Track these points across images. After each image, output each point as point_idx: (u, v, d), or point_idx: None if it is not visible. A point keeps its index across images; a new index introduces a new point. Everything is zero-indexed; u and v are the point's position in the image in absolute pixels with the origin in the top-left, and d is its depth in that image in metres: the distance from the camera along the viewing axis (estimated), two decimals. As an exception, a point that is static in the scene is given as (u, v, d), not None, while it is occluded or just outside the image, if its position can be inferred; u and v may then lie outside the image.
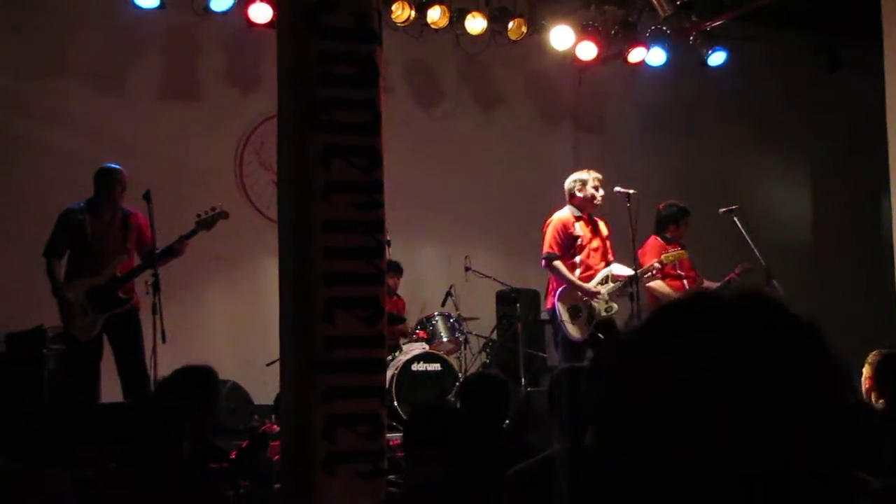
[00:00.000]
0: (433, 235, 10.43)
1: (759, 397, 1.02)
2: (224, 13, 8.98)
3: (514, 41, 9.94)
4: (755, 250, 8.36)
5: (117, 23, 9.14)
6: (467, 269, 9.58)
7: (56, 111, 8.96)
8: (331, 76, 3.99)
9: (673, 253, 8.22)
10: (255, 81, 9.34)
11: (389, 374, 7.95)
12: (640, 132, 11.35)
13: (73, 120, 8.99)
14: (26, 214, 8.54)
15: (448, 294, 9.46)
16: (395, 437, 5.96)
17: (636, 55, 10.29)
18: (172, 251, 7.21)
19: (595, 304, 7.82)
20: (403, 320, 9.14)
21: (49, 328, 7.53)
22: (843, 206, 12.07)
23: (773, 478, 1.00)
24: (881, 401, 5.06)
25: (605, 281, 7.91)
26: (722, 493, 1.00)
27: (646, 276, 8.08)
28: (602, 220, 8.05)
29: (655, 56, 10.34)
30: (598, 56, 10.23)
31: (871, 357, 5.33)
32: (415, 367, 8.43)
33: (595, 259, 7.96)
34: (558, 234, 7.85)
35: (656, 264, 8.07)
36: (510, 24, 9.79)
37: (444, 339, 8.96)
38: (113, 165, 7.43)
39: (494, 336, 9.70)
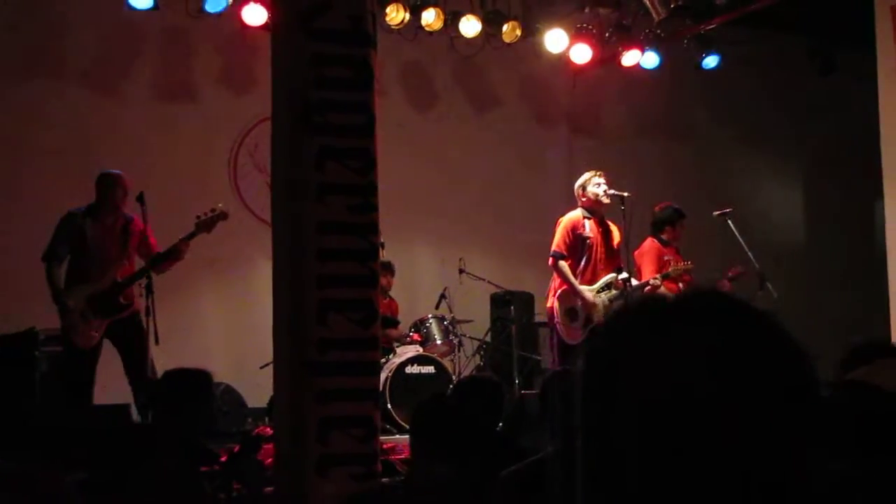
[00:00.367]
0: (427, 238, 10.42)
1: (754, 393, 1.03)
2: (218, 15, 8.97)
3: (509, 44, 9.93)
4: (749, 253, 8.37)
5: (111, 24, 9.12)
6: (461, 271, 9.58)
7: (49, 112, 8.94)
8: (325, 79, 4.00)
9: (680, 267, 8.26)
10: (249, 83, 9.32)
11: (383, 376, 7.94)
12: (634, 135, 11.36)
13: (66, 121, 8.96)
14: (18, 216, 8.52)
15: (442, 296, 9.45)
16: (388, 440, 5.97)
17: (630, 58, 10.30)
18: (174, 253, 7.19)
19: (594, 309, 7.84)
20: (397, 323, 9.13)
21: (41, 330, 7.51)
22: (837, 210, 12.09)
23: (770, 476, 1.01)
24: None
25: (607, 286, 7.93)
26: (724, 490, 1.01)
27: (645, 289, 8.12)
28: (617, 226, 8.04)
29: (649, 59, 10.35)
30: (592, 59, 10.23)
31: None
32: (409, 369, 8.41)
33: (602, 261, 7.98)
34: (567, 233, 7.88)
35: (658, 279, 8.09)
36: (504, 27, 9.78)
37: (438, 342, 8.95)
38: (114, 171, 7.39)
39: (488, 338, 9.70)
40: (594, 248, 7.94)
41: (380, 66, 4.34)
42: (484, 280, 9.65)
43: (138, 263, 7.32)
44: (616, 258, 8.04)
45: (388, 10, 9.18)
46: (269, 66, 4.20)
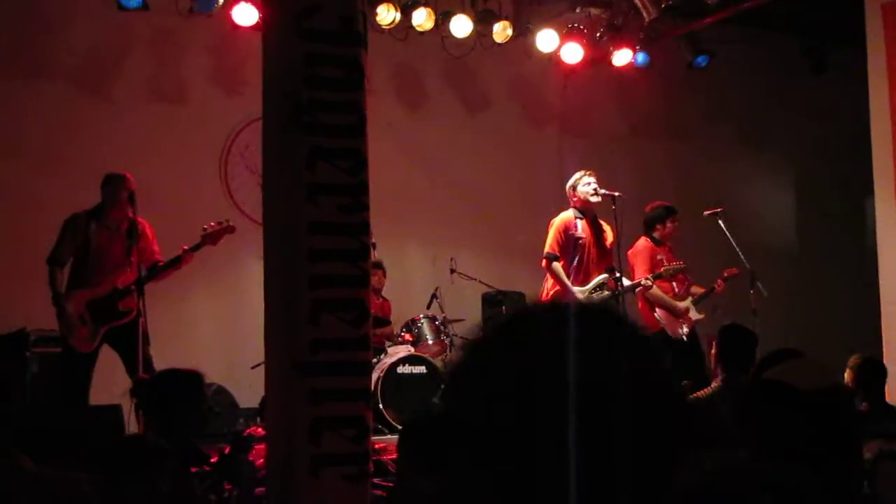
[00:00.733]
0: (418, 238, 10.42)
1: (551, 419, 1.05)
2: (209, 15, 8.94)
3: (500, 44, 9.93)
4: (740, 253, 8.39)
5: (101, 24, 9.09)
6: (452, 271, 9.58)
7: (38, 112, 8.90)
8: (316, 78, 3.99)
9: (672, 267, 8.29)
10: (240, 83, 9.30)
11: (375, 376, 7.94)
12: (625, 135, 11.38)
13: (55, 121, 8.93)
14: (8, 217, 8.50)
15: (433, 296, 9.45)
16: (380, 440, 5.95)
17: (621, 58, 10.31)
18: (176, 263, 7.19)
19: None
20: (389, 323, 9.13)
21: (33, 331, 7.48)
22: (828, 209, 12.11)
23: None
24: (864, 404, 5.09)
25: (599, 287, 7.94)
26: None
27: (637, 290, 8.14)
28: (610, 225, 8.05)
29: (640, 59, 10.37)
30: (583, 59, 10.24)
31: (851, 361, 5.39)
32: (400, 369, 8.41)
33: (595, 262, 7.99)
34: (559, 234, 7.90)
35: (650, 280, 8.12)
36: (496, 27, 9.78)
37: (430, 342, 8.95)
38: (119, 172, 7.35)
39: (480, 338, 9.68)
40: (586, 249, 7.95)
41: (370, 66, 4.33)
42: (475, 280, 9.66)
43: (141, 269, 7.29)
44: (609, 258, 8.04)
45: (378, 9, 9.17)
46: (260, 66, 4.20)
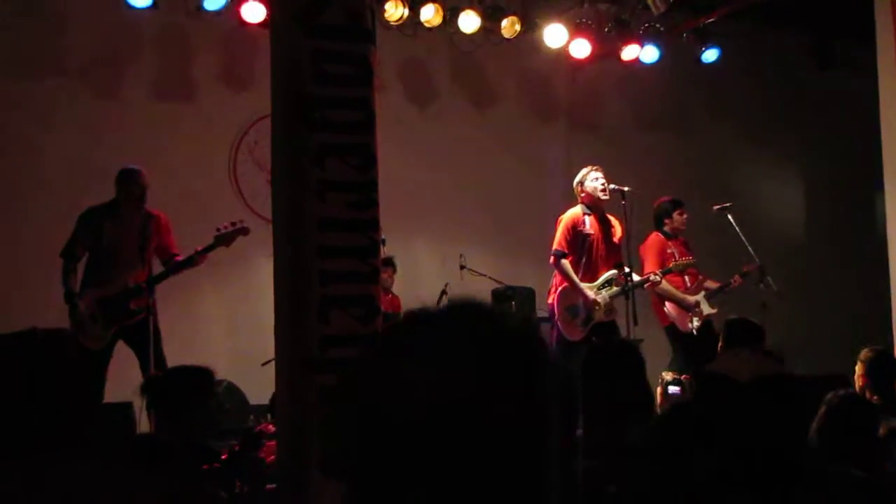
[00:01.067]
0: (428, 234, 10.41)
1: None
2: (217, 12, 8.96)
3: (508, 39, 9.92)
4: (749, 248, 8.37)
5: (110, 22, 9.10)
6: (462, 267, 9.57)
7: (47, 111, 8.92)
8: (324, 75, 3.99)
9: (682, 262, 8.27)
10: (248, 80, 9.30)
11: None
12: (633, 130, 11.35)
13: (64, 120, 8.95)
14: (19, 214, 8.52)
15: (443, 293, 9.43)
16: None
17: (630, 53, 10.30)
18: (191, 263, 7.19)
19: (595, 306, 7.84)
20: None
21: (42, 330, 7.48)
22: (837, 203, 12.07)
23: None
24: (875, 397, 5.08)
25: (608, 283, 7.93)
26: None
27: (646, 284, 8.12)
28: (619, 220, 8.03)
29: (649, 54, 10.35)
30: (591, 54, 10.22)
31: (862, 355, 5.36)
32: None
33: (603, 257, 7.97)
34: (567, 231, 7.89)
35: (659, 275, 8.10)
36: (504, 23, 9.78)
37: (440, 338, 8.93)
38: (133, 166, 7.35)
39: (489, 334, 9.67)
40: (595, 245, 7.94)
41: (379, 63, 4.33)
42: (485, 275, 9.64)
43: (156, 264, 7.29)
44: (617, 253, 8.03)
45: (387, 6, 9.18)
46: (269, 63, 4.20)
